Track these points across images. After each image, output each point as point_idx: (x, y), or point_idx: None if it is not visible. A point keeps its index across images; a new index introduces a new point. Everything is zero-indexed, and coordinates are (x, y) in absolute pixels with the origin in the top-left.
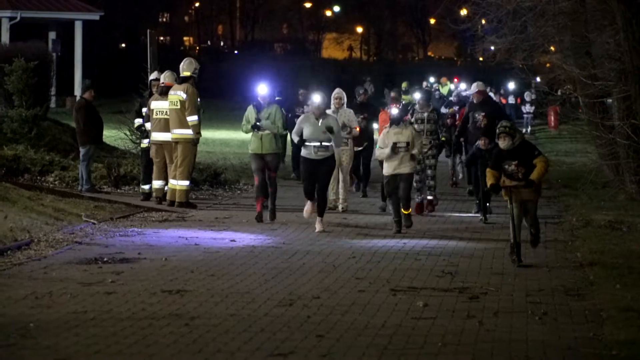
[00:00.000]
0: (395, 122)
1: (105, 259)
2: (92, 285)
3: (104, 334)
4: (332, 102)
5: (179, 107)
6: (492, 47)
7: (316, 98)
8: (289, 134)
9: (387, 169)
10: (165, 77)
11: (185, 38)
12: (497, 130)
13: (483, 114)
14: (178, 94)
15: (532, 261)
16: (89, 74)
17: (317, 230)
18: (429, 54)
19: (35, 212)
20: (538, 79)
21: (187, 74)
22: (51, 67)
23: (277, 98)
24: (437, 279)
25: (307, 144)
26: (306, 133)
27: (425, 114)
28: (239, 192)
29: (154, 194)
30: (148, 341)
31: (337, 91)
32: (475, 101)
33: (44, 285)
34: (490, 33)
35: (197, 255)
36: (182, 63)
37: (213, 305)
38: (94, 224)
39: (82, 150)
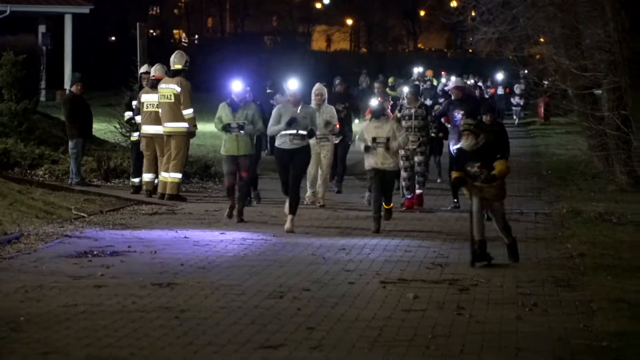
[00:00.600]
0: (375, 115)
1: (95, 252)
2: (82, 279)
3: (95, 327)
4: (312, 98)
5: (172, 100)
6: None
7: (292, 85)
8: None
9: (368, 163)
10: (155, 70)
11: (175, 31)
12: (460, 128)
13: (462, 112)
14: (171, 87)
15: (522, 252)
16: (79, 68)
17: (286, 228)
18: (419, 45)
19: (25, 205)
20: (526, 71)
21: (179, 67)
22: (41, 61)
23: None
24: (427, 270)
25: (282, 132)
26: (283, 121)
27: (413, 110)
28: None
29: (144, 187)
30: (138, 334)
31: (317, 87)
32: (453, 97)
33: (34, 279)
34: (480, 24)
35: (186, 248)
36: (172, 56)
37: (203, 298)
38: (83, 217)
39: (70, 144)
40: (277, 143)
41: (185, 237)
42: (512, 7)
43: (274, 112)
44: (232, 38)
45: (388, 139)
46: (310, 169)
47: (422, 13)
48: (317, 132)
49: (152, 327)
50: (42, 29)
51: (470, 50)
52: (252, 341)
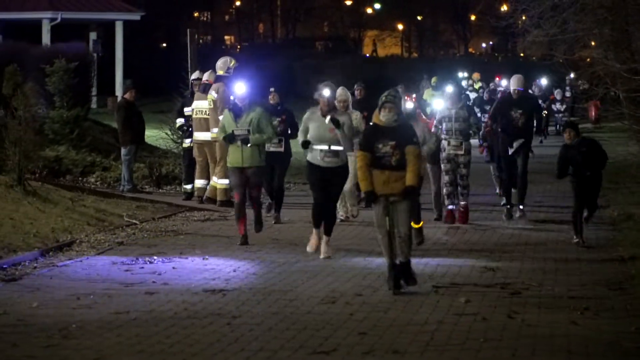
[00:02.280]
0: (407, 116)
1: (147, 259)
2: (133, 286)
3: (146, 334)
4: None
5: (212, 106)
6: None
7: (326, 91)
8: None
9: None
10: (208, 76)
11: (226, 37)
12: (382, 99)
13: (520, 111)
14: (212, 93)
15: (574, 255)
16: (130, 74)
17: (322, 256)
18: (470, 50)
19: (77, 213)
20: (572, 75)
21: (221, 72)
22: (92, 68)
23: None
24: (479, 274)
25: (312, 146)
26: (311, 133)
27: (454, 111)
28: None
29: (196, 194)
30: (190, 341)
31: (340, 92)
32: (513, 96)
33: (85, 286)
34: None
35: (238, 254)
36: (218, 61)
37: (255, 303)
38: (135, 224)
39: (123, 151)
40: (308, 157)
41: (238, 243)
42: (561, 10)
43: (303, 119)
44: (283, 43)
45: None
46: None
47: (472, 17)
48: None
49: (204, 333)
50: (93, 36)
51: (522, 54)
52: (304, 347)
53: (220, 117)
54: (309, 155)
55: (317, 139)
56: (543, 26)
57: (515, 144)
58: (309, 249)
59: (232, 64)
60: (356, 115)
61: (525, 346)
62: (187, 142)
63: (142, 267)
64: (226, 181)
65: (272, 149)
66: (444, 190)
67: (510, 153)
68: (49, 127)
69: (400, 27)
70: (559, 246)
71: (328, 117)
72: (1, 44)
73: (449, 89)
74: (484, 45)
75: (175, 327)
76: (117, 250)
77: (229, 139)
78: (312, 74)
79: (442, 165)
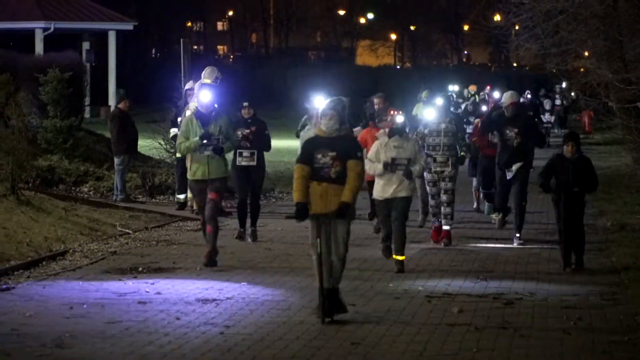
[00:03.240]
0: (397, 132)
1: (140, 269)
2: (126, 295)
3: (139, 343)
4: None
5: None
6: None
7: (320, 101)
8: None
9: (379, 192)
10: (192, 85)
11: (219, 46)
12: (323, 108)
13: (516, 130)
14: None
15: (568, 269)
16: (123, 84)
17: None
18: (463, 60)
19: (70, 222)
20: (564, 84)
21: (207, 81)
22: (85, 77)
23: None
24: (472, 285)
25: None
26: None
27: (443, 125)
28: (273, 200)
29: (189, 203)
30: (184, 350)
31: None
32: (507, 114)
33: (79, 296)
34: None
35: (232, 264)
36: (204, 71)
37: (248, 313)
38: (128, 233)
39: (116, 160)
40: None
41: (231, 253)
42: (554, 17)
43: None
44: (276, 53)
45: (409, 161)
46: None
47: (465, 27)
48: None
49: (197, 343)
50: (86, 45)
51: (515, 64)
52: (297, 357)
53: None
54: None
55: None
56: (536, 36)
57: (514, 167)
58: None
59: (219, 75)
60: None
61: (518, 356)
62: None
63: (136, 277)
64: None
65: (243, 163)
66: (430, 210)
67: (508, 178)
68: (42, 137)
69: (393, 36)
70: (551, 256)
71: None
72: None
73: (439, 101)
74: (464, 58)
75: (168, 337)
76: (110, 260)
77: (205, 137)
78: (305, 84)
79: (428, 189)
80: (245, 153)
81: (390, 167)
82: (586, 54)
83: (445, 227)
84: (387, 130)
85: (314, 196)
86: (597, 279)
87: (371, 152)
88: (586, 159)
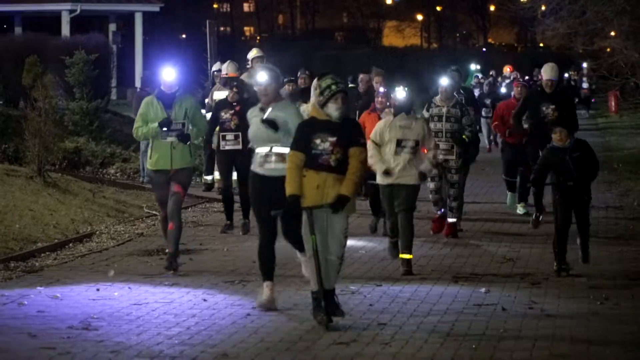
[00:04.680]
0: (402, 109)
1: (167, 250)
2: (153, 277)
3: (166, 325)
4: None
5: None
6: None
7: (261, 76)
8: None
9: (384, 176)
10: (227, 68)
11: (245, 28)
12: (332, 88)
13: (553, 106)
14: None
15: (593, 246)
16: (150, 66)
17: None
18: (489, 40)
19: (97, 204)
20: (585, 64)
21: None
22: (111, 59)
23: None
24: (498, 265)
25: (256, 151)
26: (250, 134)
27: (445, 109)
28: None
29: (216, 185)
30: (210, 331)
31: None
32: (546, 90)
33: (105, 278)
34: (549, 16)
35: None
36: (249, 54)
37: (275, 294)
38: (155, 215)
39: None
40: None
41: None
42: None
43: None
44: (302, 35)
45: (417, 143)
46: None
47: (491, 8)
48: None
49: (223, 324)
50: (112, 27)
51: (541, 45)
52: (324, 338)
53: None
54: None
55: (256, 140)
56: (561, 16)
57: None
58: (258, 303)
59: (252, 54)
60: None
61: (545, 337)
62: None
63: (162, 259)
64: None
65: (227, 147)
66: (430, 197)
67: None
68: (69, 119)
69: (419, 17)
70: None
71: (267, 112)
72: (21, 36)
73: (444, 81)
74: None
75: (195, 318)
76: (137, 242)
77: (165, 124)
78: (331, 65)
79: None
80: (229, 136)
81: (397, 148)
82: (613, 33)
83: (451, 220)
84: (392, 109)
85: (309, 187)
86: (623, 258)
87: (374, 132)
88: (582, 142)
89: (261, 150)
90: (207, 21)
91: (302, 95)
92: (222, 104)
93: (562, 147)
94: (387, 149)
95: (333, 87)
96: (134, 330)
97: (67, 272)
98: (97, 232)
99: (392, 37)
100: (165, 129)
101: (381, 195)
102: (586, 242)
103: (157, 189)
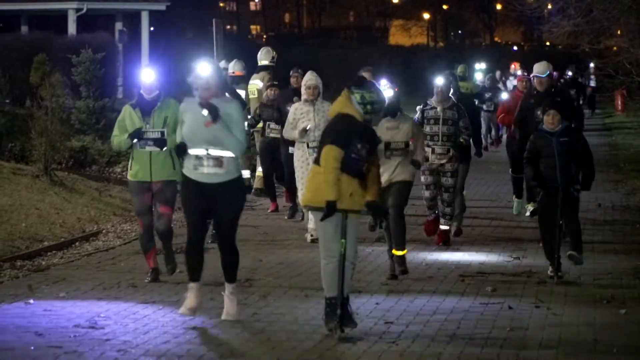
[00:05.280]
0: (389, 111)
1: (174, 249)
2: (161, 275)
3: (172, 323)
4: (302, 91)
5: (256, 96)
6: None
7: (204, 70)
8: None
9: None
10: (233, 67)
11: (252, 26)
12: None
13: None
14: (255, 82)
15: (601, 245)
16: (156, 64)
17: (224, 317)
18: (496, 39)
19: (103, 203)
20: (592, 64)
21: (265, 62)
22: (118, 58)
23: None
24: (505, 264)
25: (189, 152)
26: (185, 131)
27: (441, 111)
28: None
29: None
30: (216, 330)
31: (309, 77)
32: (539, 88)
33: (111, 276)
34: (555, 15)
35: (265, 243)
36: (259, 52)
37: (281, 293)
38: None
39: None
40: (184, 169)
41: (265, 233)
42: None
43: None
44: (309, 33)
45: (407, 145)
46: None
47: (498, 6)
48: (311, 139)
49: (229, 323)
50: (119, 26)
51: (547, 43)
52: (330, 336)
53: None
54: (184, 165)
55: (192, 139)
56: (568, 14)
57: None
58: (182, 310)
59: (274, 54)
60: (327, 108)
61: (551, 335)
62: None
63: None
64: (260, 169)
65: (272, 135)
66: (425, 194)
67: None
68: (76, 117)
69: (426, 16)
70: (584, 237)
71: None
72: (27, 35)
73: (439, 80)
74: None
75: (201, 317)
76: None
77: (136, 135)
78: (338, 64)
79: (423, 178)
80: (273, 125)
81: (386, 152)
82: (619, 32)
83: (444, 228)
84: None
85: (344, 192)
86: (629, 257)
87: None
88: (574, 130)
89: (195, 151)
90: (214, 20)
91: (294, 95)
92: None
93: (550, 131)
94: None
95: (368, 107)
96: (140, 329)
97: (73, 271)
98: (104, 231)
99: (399, 36)
100: (135, 140)
101: None
102: (580, 247)
103: (137, 200)
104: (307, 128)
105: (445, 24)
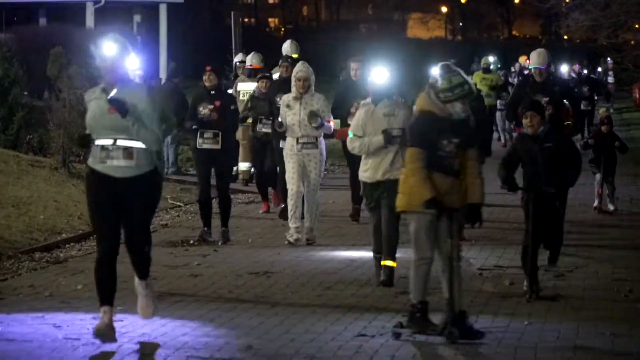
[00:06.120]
0: (382, 95)
1: (191, 242)
2: (178, 268)
3: (190, 316)
4: (292, 83)
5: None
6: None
7: (109, 48)
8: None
9: (367, 173)
10: (251, 59)
11: (270, 19)
12: (464, 86)
13: (547, 98)
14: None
15: (618, 239)
16: (174, 57)
17: (141, 313)
18: (514, 32)
19: None
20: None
21: (295, 56)
22: (136, 50)
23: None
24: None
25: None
26: (89, 120)
27: None
28: (325, 172)
29: (240, 176)
30: (234, 323)
31: (300, 68)
32: (537, 79)
33: (129, 268)
34: (575, 11)
35: (282, 237)
36: (287, 45)
37: (299, 286)
38: (179, 206)
39: None
40: (89, 159)
41: (283, 225)
42: None
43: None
44: (327, 26)
45: (404, 132)
46: (292, 187)
47: (516, 0)
48: (299, 134)
49: (248, 316)
50: (137, 18)
51: (565, 37)
52: (348, 329)
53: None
54: (89, 156)
55: (93, 127)
56: (586, 8)
57: None
58: (94, 332)
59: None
60: (318, 99)
61: (569, 329)
62: None
63: (187, 250)
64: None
65: (205, 146)
66: None
67: None
68: None
69: (444, 9)
70: (602, 230)
71: (112, 93)
72: (46, 27)
73: (435, 71)
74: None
75: (219, 310)
76: (162, 233)
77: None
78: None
79: None
80: (208, 134)
81: (392, 137)
82: (637, 26)
83: None
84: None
85: (438, 191)
86: None
87: (354, 125)
88: (559, 133)
89: (102, 142)
90: (232, 12)
91: (284, 85)
92: (200, 98)
93: (532, 135)
94: (373, 139)
95: (466, 87)
96: (158, 321)
97: (91, 263)
98: None
99: (417, 29)
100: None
101: (364, 191)
102: (554, 257)
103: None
104: (281, 121)
105: (463, 17)
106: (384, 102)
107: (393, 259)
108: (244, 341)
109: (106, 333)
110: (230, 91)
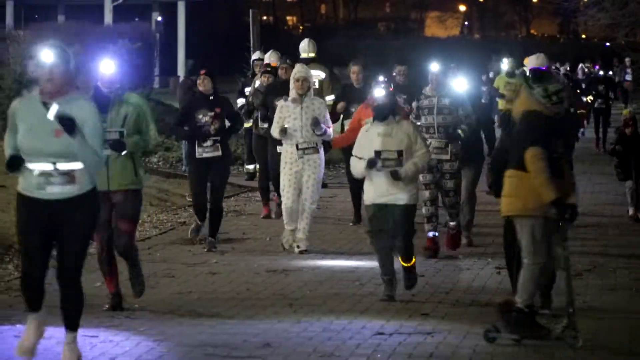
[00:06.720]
0: (379, 115)
1: (209, 240)
2: (196, 266)
3: (208, 314)
4: (291, 85)
5: (317, 87)
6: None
7: (46, 55)
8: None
9: (369, 194)
10: (270, 57)
11: (288, 17)
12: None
13: None
14: (318, 73)
15: (636, 238)
16: (192, 54)
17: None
18: (532, 31)
19: None
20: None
21: (313, 55)
22: (155, 48)
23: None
24: None
25: (28, 167)
26: (24, 143)
27: (436, 99)
28: (342, 171)
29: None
30: (252, 321)
31: (299, 69)
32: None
33: (148, 266)
34: (593, 9)
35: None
36: (304, 44)
37: (317, 284)
38: None
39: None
40: (19, 184)
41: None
42: None
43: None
44: (345, 24)
45: (401, 154)
46: (286, 202)
47: None
48: (300, 140)
49: (266, 314)
50: (155, 16)
51: (583, 36)
52: (366, 327)
53: (330, 97)
54: (20, 181)
55: (30, 150)
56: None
57: None
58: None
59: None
60: (318, 104)
61: (587, 327)
62: (249, 122)
63: (204, 247)
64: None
65: (205, 155)
66: (423, 211)
67: None
68: None
69: (462, 8)
70: (619, 230)
71: (52, 110)
72: (64, 24)
73: (434, 67)
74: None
75: (237, 308)
76: (180, 231)
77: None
78: (373, 56)
79: (420, 177)
80: (208, 142)
81: (371, 164)
82: None
83: (452, 223)
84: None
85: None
86: None
87: (356, 146)
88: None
89: (40, 166)
90: (251, 10)
91: (282, 88)
92: (198, 104)
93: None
94: (362, 164)
95: (561, 94)
96: (175, 319)
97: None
98: (140, 221)
99: (435, 27)
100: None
101: (368, 215)
102: None
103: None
104: (287, 127)
105: (480, 15)
106: (384, 121)
107: (406, 258)
108: (262, 339)
109: (28, 350)
110: (247, 89)
